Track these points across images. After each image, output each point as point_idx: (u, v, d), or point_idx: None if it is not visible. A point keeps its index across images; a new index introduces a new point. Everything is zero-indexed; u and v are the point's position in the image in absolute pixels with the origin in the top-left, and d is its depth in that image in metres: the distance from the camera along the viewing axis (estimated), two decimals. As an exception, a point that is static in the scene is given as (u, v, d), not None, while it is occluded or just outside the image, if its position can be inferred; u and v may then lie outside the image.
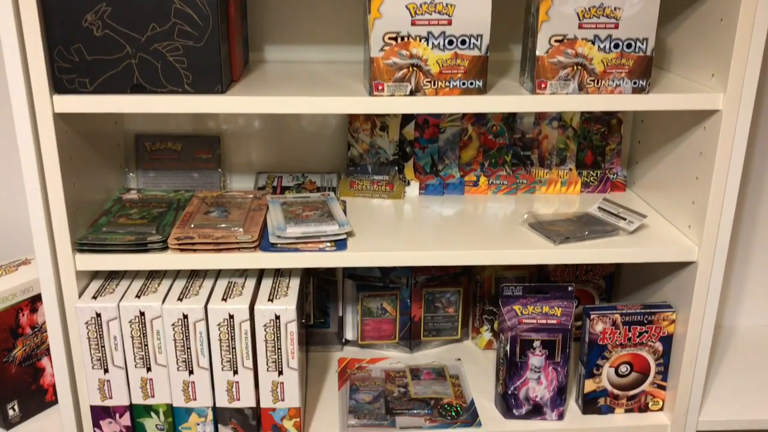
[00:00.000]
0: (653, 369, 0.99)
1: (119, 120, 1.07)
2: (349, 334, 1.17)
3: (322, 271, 1.13)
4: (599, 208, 1.00)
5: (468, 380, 1.09)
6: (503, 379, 0.99)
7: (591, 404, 1.00)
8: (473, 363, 1.14)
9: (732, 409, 1.02)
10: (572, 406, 1.03)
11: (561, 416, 0.99)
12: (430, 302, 1.14)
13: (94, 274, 0.93)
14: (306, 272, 1.12)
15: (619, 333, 0.96)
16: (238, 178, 1.12)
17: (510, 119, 1.09)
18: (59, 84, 0.80)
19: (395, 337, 1.16)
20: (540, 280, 1.14)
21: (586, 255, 0.90)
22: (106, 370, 0.89)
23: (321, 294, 1.15)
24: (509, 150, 1.10)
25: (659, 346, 0.97)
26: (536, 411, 0.99)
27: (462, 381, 1.08)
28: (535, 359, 0.97)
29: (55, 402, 1.02)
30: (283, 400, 0.91)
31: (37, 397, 1.00)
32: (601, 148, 1.10)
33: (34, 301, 0.97)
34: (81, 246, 0.86)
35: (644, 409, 1.01)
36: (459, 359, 1.14)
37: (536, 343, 0.96)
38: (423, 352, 1.17)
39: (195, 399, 0.91)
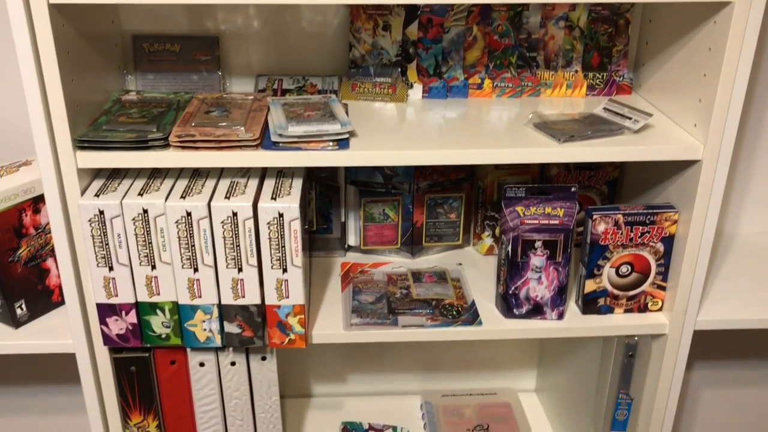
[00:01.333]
0: (654, 269, 0.99)
1: (116, 19, 1.04)
2: (352, 239, 1.17)
3: (324, 176, 1.13)
4: (605, 108, 0.99)
5: (469, 283, 1.10)
6: (504, 279, 1.00)
7: (591, 304, 1.02)
8: (474, 267, 1.15)
9: (729, 310, 1.04)
10: (572, 306, 1.04)
11: (561, 316, 1.01)
12: (432, 208, 1.15)
13: (96, 173, 0.92)
14: (308, 177, 1.11)
15: (621, 233, 0.97)
16: (237, 80, 1.11)
17: (516, 19, 1.06)
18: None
19: (397, 243, 1.17)
20: (543, 185, 1.14)
21: (591, 153, 0.89)
22: (110, 268, 0.89)
23: (323, 200, 1.14)
24: (514, 51, 1.08)
25: (660, 246, 0.98)
26: (536, 311, 1.01)
27: (463, 284, 1.09)
28: (537, 259, 0.97)
29: (61, 303, 1.03)
30: (287, 297, 0.92)
31: (44, 297, 1.01)
32: (607, 49, 1.08)
33: (37, 202, 0.97)
34: (81, 143, 0.85)
35: (643, 309, 1.02)
36: (460, 264, 1.15)
37: (538, 244, 0.96)
38: (424, 258, 1.18)
39: (200, 297, 0.92)
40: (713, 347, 1.39)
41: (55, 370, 1.32)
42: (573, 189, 0.95)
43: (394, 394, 1.38)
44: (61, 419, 1.36)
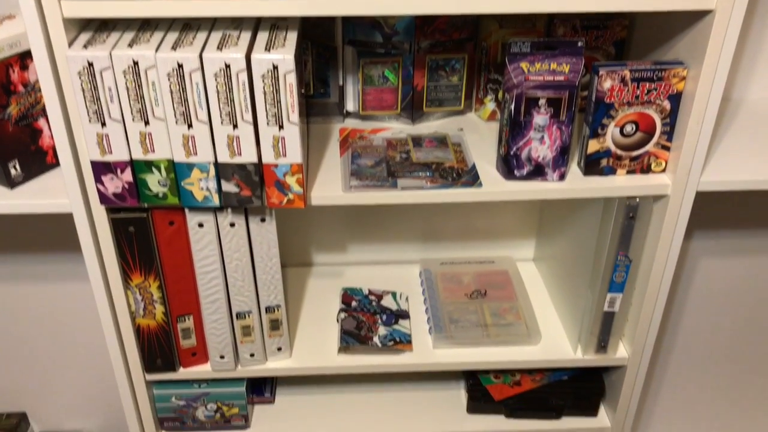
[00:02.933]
0: (659, 128, 0.97)
1: None
2: (350, 104, 1.15)
3: (320, 36, 1.08)
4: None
5: (470, 148, 1.08)
6: (506, 140, 0.98)
7: (593, 165, 1.00)
8: (475, 133, 1.12)
9: (733, 171, 1.02)
10: (574, 168, 1.03)
11: (562, 177, 1.00)
12: (433, 70, 1.11)
13: (83, 26, 0.89)
14: (304, 37, 1.07)
15: (627, 90, 0.94)
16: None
17: None
18: None
19: (397, 108, 1.14)
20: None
21: (601, 3, 0.85)
22: (103, 124, 0.87)
23: (320, 63, 1.11)
24: None
25: (667, 104, 0.95)
26: (538, 172, 0.99)
27: (464, 148, 1.08)
28: (540, 118, 0.95)
29: (56, 165, 1.02)
30: (284, 155, 0.91)
31: (38, 158, 0.99)
32: None
33: (24, 59, 0.93)
34: (65, -11, 0.81)
35: (646, 170, 1.01)
36: (461, 129, 1.13)
37: (542, 101, 0.94)
38: (425, 124, 1.15)
39: (196, 154, 0.90)
40: (713, 216, 1.38)
41: (56, 238, 1.32)
42: (580, 44, 0.92)
43: (394, 263, 1.39)
44: (65, 287, 1.38)
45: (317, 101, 1.14)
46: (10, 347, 1.46)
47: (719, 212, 1.38)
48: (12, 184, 0.97)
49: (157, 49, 0.83)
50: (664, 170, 1.01)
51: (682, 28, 0.95)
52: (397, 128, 1.13)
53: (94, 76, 0.84)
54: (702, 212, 1.37)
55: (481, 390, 1.26)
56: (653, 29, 1.04)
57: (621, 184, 1.00)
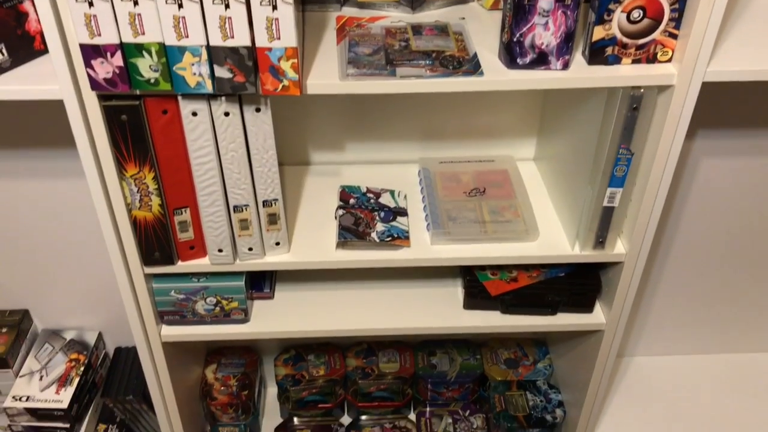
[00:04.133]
0: (667, 14, 0.94)
1: None
2: (348, -8, 1.11)
3: None
4: None
5: (471, 36, 1.04)
6: (509, 26, 0.94)
7: (598, 54, 0.97)
8: (478, 22, 1.09)
9: (741, 62, 0.99)
10: (578, 58, 1.00)
11: (566, 65, 0.97)
12: (434, -45, 1.06)
13: None
14: None
15: (637, -28, 0.90)
16: None
17: None
18: None
19: (396, -4, 1.10)
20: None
21: None
22: (90, 4, 0.84)
23: (317, -53, 1.06)
24: None
25: (677, -12, 0.91)
26: (541, 60, 0.96)
27: (465, 37, 1.04)
28: (545, 1, 0.91)
29: (44, 51, 0.99)
30: (278, 38, 0.87)
31: (25, 44, 0.96)
32: None
33: (4, -65, 0.89)
34: None
35: (652, 59, 0.98)
36: (463, 18, 1.09)
37: (546, -16, 0.90)
38: (425, 13, 1.11)
39: (187, 37, 0.87)
40: (717, 114, 1.36)
41: (54, 133, 1.30)
42: None
43: (392, 162, 1.38)
44: (65, 183, 1.37)
45: (313, -11, 1.10)
46: (10, 245, 1.46)
47: (723, 111, 1.36)
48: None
49: None
50: (670, 60, 0.98)
51: None
52: (396, 17, 1.10)
53: (79, -49, 0.80)
54: (705, 110, 1.35)
55: (477, 286, 1.27)
56: None
57: (626, 73, 0.97)
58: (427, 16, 1.10)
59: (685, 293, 1.69)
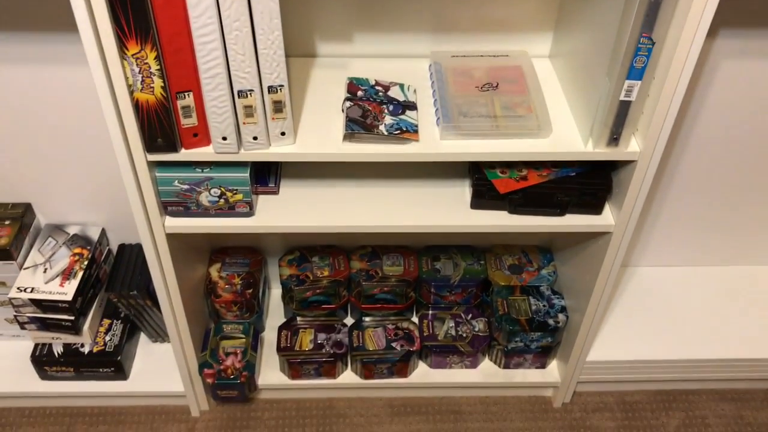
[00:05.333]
0: None
1: None
2: None
3: None
4: None
5: None
6: None
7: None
8: None
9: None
10: (603, -64, 0.94)
11: (590, -57, 0.92)
12: None
13: None
14: None
15: None
16: None
17: None
18: None
19: None
20: None
21: None
22: None
23: None
24: None
25: None
26: (564, -64, 0.91)
27: None
28: None
29: None
30: None
31: None
32: None
33: None
34: None
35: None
36: None
37: None
38: None
39: None
40: (740, 12, 1.30)
41: (54, 17, 1.25)
42: None
43: (403, 56, 1.33)
44: (66, 72, 1.33)
45: None
46: (11, 137, 1.44)
47: (747, 8, 1.30)
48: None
49: None
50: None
51: None
52: None
53: None
54: (730, 7, 1.29)
55: (486, 184, 1.25)
56: None
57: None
58: None
59: (695, 199, 1.66)
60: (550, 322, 1.56)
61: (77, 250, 1.55)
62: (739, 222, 1.72)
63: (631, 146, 1.15)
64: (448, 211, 1.30)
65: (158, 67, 1.01)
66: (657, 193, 1.65)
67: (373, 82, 1.25)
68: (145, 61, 1.00)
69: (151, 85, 1.02)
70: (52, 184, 1.53)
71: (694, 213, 1.69)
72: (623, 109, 1.09)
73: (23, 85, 1.35)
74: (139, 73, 1.01)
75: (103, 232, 1.62)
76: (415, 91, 1.25)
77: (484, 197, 1.27)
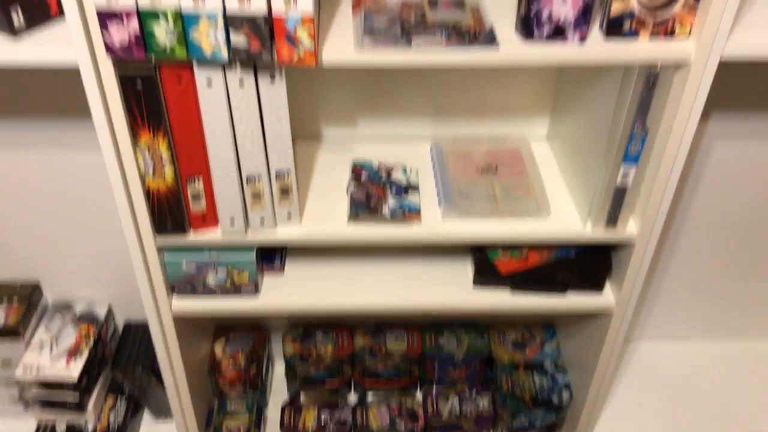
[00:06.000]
0: (687, -11, 0.93)
1: None
2: (364, -35, 1.10)
3: None
4: None
5: (488, 10, 1.04)
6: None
7: (615, 27, 0.96)
8: (494, -3, 1.08)
9: (760, 39, 0.98)
10: (595, 32, 0.99)
11: (583, 38, 0.96)
12: (451, -72, 1.06)
13: None
14: None
15: (657, -56, 0.89)
16: None
17: None
18: None
19: (413, -30, 1.09)
20: None
21: None
22: (107, -33, 0.84)
23: None
24: None
25: (697, -39, 0.91)
26: (558, 33, 0.96)
27: (482, 10, 1.04)
28: (563, -26, 0.91)
29: (59, 16, 0.99)
30: (295, 5, 0.87)
31: (41, 7, 0.96)
32: None
33: None
34: None
35: (670, 34, 0.97)
36: (479, -8, 1.09)
37: (566, -45, 0.89)
38: (441, -13, 1.11)
39: (203, 2, 0.87)
40: (732, 96, 1.35)
41: (66, 102, 1.30)
42: None
43: (405, 139, 1.37)
44: (76, 154, 1.37)
45: (329, -40, 1.09)
46: (21, 216, 1.47)
47: (738, 93, 1.35)
48: (14, 31, 0.94)
49: None
50: (689, 34, 0.97)
51: None
52: (412, -9, 1.09)
53: None
54: (721, 92, 1.34)
55: (487, 263, 1.27)
56: None
57: (643, 49, 0.96)
58: (443, -11, 1.10)
59: (695, 277, 1.68)
60: (554, 399, 1.55)
61: (84, 328, 1.56)
62: (742, 296, 1.73)
63: (629, 228, 1.18)
64: (450, 289, 1.32)
65: (169, 154, 1.04)
66: (657, 269, 1.67)
67: (377, 165, 1.29)
68: (157, 150, 1.03)
69: (163, 171, 1.06)
70: (60, 260, 1.55)
71: (695, 287, 1.71)
72: (620, 194, 1.12)
73: (34, 166, 1.39)
74: (151, 160, 1.05)
75: (110, 309, 1.63)
76: (417, 173, 1.29)
77: (486, 276, 1.29)
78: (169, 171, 1.06)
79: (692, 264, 1.65)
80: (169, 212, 1.11)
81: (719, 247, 1.62)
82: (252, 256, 1.22)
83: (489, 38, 0.97)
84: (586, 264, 1.27)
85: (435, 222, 1.19)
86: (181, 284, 1.25)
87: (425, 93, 1.32)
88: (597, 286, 1.29)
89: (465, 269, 1.36)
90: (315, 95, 1.32)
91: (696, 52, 0.96)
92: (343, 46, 0.96)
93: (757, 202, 1.52)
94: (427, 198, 1.24)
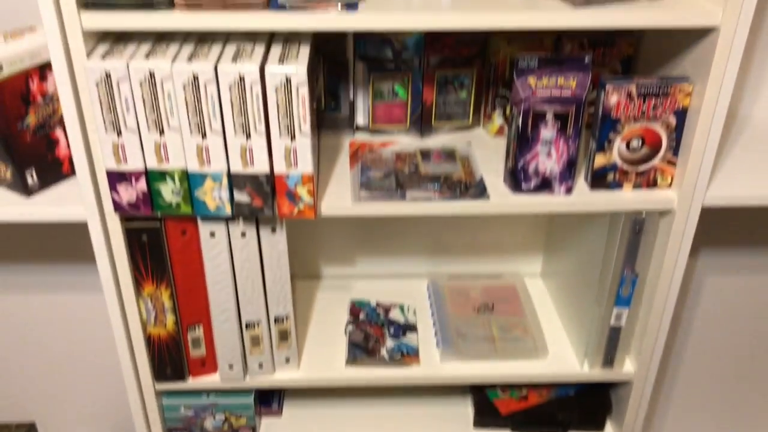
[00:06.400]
0: (665, 144, 0.99)
1: None
2: (360, 118, 1.17)
3: (332, 51, 1.11)
4: (622, -24, 0.96)
5: (478, 161, 1.09)
6: (513, 153, 0.99)
7: (599, 180, 1.01)
8: (484, 148, 1.14)
9: (738, 188, 1.03)
10: (581, 182, 1.04)
11: (569, 190, 1.01)
12: (442, 85, 1.13)
13: (100, 38, 0.91)
14: (316, 51, 1.09)
15: (634, 105, 0.95)
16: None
17: None
18: None
19: (406, 122, 1.16)
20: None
21: (606, 19, 0.87)
22: (119, 134, 0.89)
23: (332, 77, 1.13)
24: None
25: (673, 119, 0.97)
26: (545, 185, 1.01)
27: (472, 162, 1.09)
28: (547, 132, 0.96)
29: (71, 174, 1.04)
30: (296, 165, 0.92)
31: (54, 167, 1.01)
32: None
33: (43, 70, 0.96)
34: (86, 2, 0.83)
35: (653, 184, 1.02)
36: (470, 143, 1.15)
37: (549, 116, 0.95)
38: (434, 138, 1.17)
39: (209, 164, 0.92)
40: (720, 233, 1.39)
41: (68, 248, 1.34)
42: (587, 59, 0.93)
43: (402, 276, 1.40)
44: (75, 297, 1.40)
45: (329, 115, 1.16)
46: (20, 357, 1.47)
47: (726, 229, 1.39)
48: (28, 192, 0.99)
49: (173, 61, 0.86)
50: (670, 185, 1.02)
51: (687, 44, 0.96)
52: (406, 142, 1.15)
53: (112, 87, 0.86)
54: (708, 229, 1.38)
55: (487, 404, 1.27)
56: (660, 46, 1.05)
57: (627, 198, 1.01)
58: (435, 140, 1.16)
59: (695, 409, 1.66)
60: None
61: (77, 471, 1.53)
62: (743, 425, 1.70)
63: (626, 367, 1.19)
64: (451, 430, 1.30)
65: (171, 304, 1.07)
66: (658, 403, 1.65)
67: (375, 304, 1.31)
68: (160, 299, 1.06)
69: (164, 320, 1.08)
70: (57, 402, 1.54)
71: (697, 418, 1.68)
72: (614, 333, 1.14)
73: (33, 308, 1.41)
74: (153, 309, 1.07)
75: (105, 450, 1.60)
76: (414, 312, 1.30)
77: (486, 416, 1.28)
78: (170, 319, 1.08)
79: (691, 397, 1.64)
80: (169, 359, 1.12)
81: (717, 379, 1.61)
82: (250, 399, 1.22)
83: (479, 190, 1.02)
84: (586, 402, 1.27)
85: (433, 364, 1.20)
86: (179, 428, 1.23)
87: (421, 233, 1.36)
88: (597, 425, 1.28)
89: (465, 409, 1.35)
90: (314, 238, 1.36)
91: (678, 201, 1.01)
92: (341, 198, 1.00)
93: (751, 335, 1.53)
94: (426, 338, 1.25)
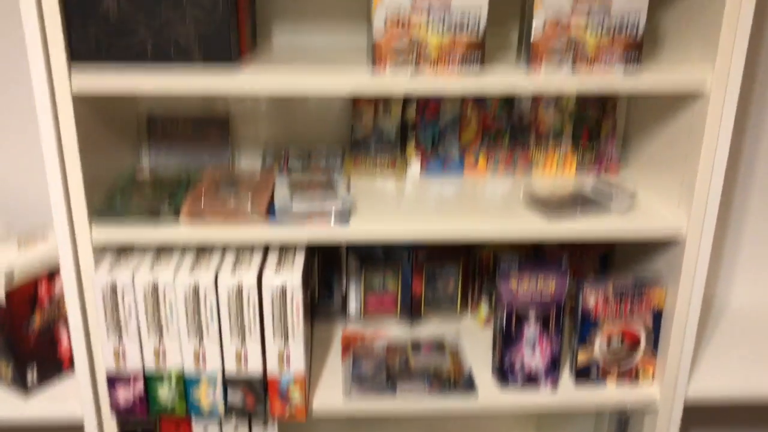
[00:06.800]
0: (644, 341, 1.03)
1: (133, 101, 1.11)
2: (352, 308, 1.21)
3: (326, 246, 1.17)
4: (592, 187, 1.04)
5: (467, 353, 1.13)
6: (499, 350, 1.03)
7: (583, 375, 1.04)
8: (472, 337, 1.18)
9: (720, 382, 1.06)
10: (566, 376, 1.07)
11: (555, 385, 1.04)
12: (430, 277, 1.19)
13: (107, 248, 0.97)
14: (311, 248, 1.16)
15: (611, 306, 1.00)
16: (246, 153, 1.16)
17: (508, 103, 1.12)
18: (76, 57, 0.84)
19: (396, 312, 1.20)
20: (537, 258, 1.18)
21: (579, 232, 0.94)
22: (120, 339, 0.93)
23: (326, 269, 1.19)
24: (507, 131, 1.14)
25: (649, 320, 1.01)
26: (531, 380, 1.04)
27: (461, 353, 1.12)
28: (530, 331, 1.01)
29: (70, 370, 1.07)
30: (288, 366, 0.96)
31: (55, 365, 1.04)
32: (596, 129, 1.14)
33: (51, 272, 1.01)
34: (98, 218, 0.90)
35: (635, 378, 1.05)
36: (458, 333, 1.19)
37: (531, 316, 1.00)
38: (423, 327, 1.21)
39: (205, 368, 0.95)
40: (707, 415, 1.40)
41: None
42: (563, 265, 1.00)
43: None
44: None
45: (322, 306, 1.21)
46: None
47: (713, 413, 1.40)
48: (27, 389, 1.01)
49: (175, 273, 0.91)
50: (652, 378, 1.05)
51: (659, 249, 1.03)
52: (396, 332, 1.19)
53: (116, 296, 0.91)
54: (696, 412, 1.39)
55: None
56: (634, 246, 1.12)
57: (611, 394, 1.04)
58: (425, 329, 1.20)
59: None
60: None
61: None
62: None
63: None
64: None
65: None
66: None
67: (367, 494, 1.30)
68: (150, 497, 1.05)
69: None
70: None
71: None
72: None
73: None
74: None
75: None
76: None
77: None
78: None
79: None
80: None
81: None
82: None
83: (467, 384, 1.05)
84: None
85: None
86: None
87: (413, 420, 1.37)
88: None
89: None
90: (307, 425, 1.36)
91: (661, 397, 1.03)
92: (333, 396, 1.03)
93: None
94: None
